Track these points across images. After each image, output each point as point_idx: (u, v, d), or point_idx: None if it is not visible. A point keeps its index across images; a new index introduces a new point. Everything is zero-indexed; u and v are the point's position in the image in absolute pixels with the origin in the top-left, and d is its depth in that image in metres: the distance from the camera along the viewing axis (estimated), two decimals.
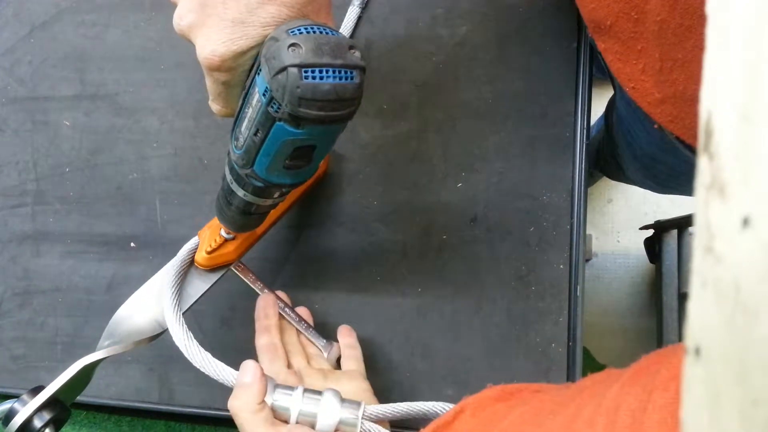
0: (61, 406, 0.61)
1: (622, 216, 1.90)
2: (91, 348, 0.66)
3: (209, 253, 0.72)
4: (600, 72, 1.27)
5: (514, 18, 0.84)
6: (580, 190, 0.81)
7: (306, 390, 0.64)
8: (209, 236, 0.73)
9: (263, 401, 0.63)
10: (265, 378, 0.64)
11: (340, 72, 0.47)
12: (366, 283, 0.83)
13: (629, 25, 0.60)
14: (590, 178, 0.81)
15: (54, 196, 0.88)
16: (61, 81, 0.90)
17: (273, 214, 0.76)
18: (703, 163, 0.21)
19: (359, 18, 0.86)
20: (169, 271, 0.72)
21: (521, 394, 0.56)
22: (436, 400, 0.80)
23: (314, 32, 0.47)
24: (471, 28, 0.85)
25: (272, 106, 0.48)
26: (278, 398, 0.63)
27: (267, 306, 0.74)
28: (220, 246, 0.73)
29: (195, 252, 0.74)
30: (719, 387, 0.21)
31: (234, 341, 0.82)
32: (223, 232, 0.73)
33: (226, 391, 0.83)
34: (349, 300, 0.82)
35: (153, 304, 0.71)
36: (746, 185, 0.19)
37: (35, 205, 0.88)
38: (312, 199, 0.84)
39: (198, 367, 0.66)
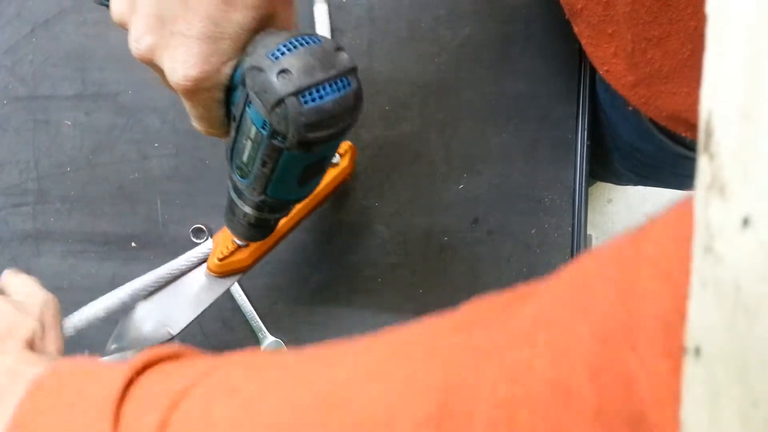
0: None
1: (622, 216, 1.90)
2: (92, 348, 0.65)
3: (221, 260, 0.70)
4: None
5: (516, 19, 0.84)
6: (581, 192, 0.81)
7: None
8: (222, 242, 0.71)
9: None
10: None
11: (336, 83, 0.44)
12: (367, 285, 0.83)
13: (599, 9, 0.61)
14: (588, 181, 0.81)
15: (55, 196, 0.88)
16: (63, 80, 0.90)
17: (289, 223, 0.74)
18: (703, 163, 0.21)
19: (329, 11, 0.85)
20: (171, 264, 0.71)
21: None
22: None
23: (296, 47, 0.44)
24: (473, 29, 0.85)
25: (277, 139, 0.46)
26: None
27: None
28: (232, 253, 0.71)
29: (207, 257, 0.72)
30: (719, 387, 0.21)
31: (235, 342, 0.83)
32: (236, 239, 0.71)
33: None
34: (350, 301, 0.82)
35: (164, 309, 0.70)
36: (746, 185, 0.19)
37: (36, 205, 0.88)
38: None
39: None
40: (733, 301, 0.20)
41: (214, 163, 0.86)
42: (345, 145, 0.77)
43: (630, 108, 0.67)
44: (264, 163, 0.48)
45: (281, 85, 0.43)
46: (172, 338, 0.68)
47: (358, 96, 0.46)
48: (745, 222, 0.19)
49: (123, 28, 0.47)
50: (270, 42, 0.44)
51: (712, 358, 0.21)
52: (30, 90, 0.90)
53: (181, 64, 0.45)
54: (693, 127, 0.65)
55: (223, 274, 0.72)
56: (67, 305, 0.86)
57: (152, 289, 0.69)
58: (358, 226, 0.83)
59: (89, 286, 0.86)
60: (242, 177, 0.52)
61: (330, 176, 0.76)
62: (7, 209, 0.88)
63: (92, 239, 0.87)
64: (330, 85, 0.44)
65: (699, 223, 0.22)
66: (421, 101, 0.84)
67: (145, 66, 0.51)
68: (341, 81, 0.45)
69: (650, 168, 0.95)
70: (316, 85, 0.43)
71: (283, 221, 0.71)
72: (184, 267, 0.71)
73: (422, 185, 0.83)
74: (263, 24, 0.47)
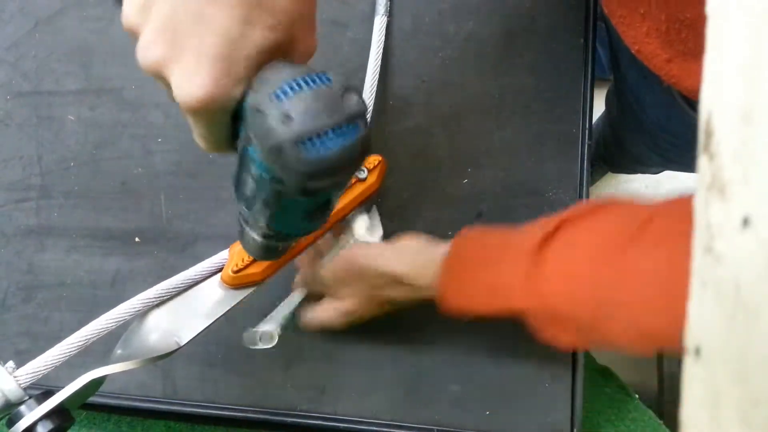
0: (65, 415, 0.61)
1: None
2: (96, 344, 0.65)
3: (236, 272, 0.69)
4: (601, 71, 1.26)
5: (521, 13, 0.84)
6: (586, 187, 0.81)
7: None
8: (238, 254, 0.69)
9: None
10: None
11: (341, 129, 0.40)
12: None
13: None
14: (590, 177, 0.81)
15: (58, 191, 0.88)
16: (66, 75, 0.90)
17: (308, 239, 0.72)
18: (703, 163, 0.21)
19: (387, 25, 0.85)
20: (185, 273, 0.70)
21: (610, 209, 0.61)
22: (441, 396, 0.80)
23: (301, 88, 0.39)
24: (478, 23, 0.84)
25: (277, 184, 0.42)
26: None
27: None
28: (247, 266, 0.69)
29: (221, 267, 0.70)
30: (719, 387, 0.21)
31: (236, 334, 0.83)
32: None
33: (230, 386, 0.83)
34: None
35: (174, 318, 0.69)
36: (746, 185, 0.19)
37: (40, 200, 0.88)
38: None
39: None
40: (733, 301, 0.20)
41: (218, 158, 0.86)
42: (374, 159, 0.75)
43: (664, 85, 0.67)
44: (266, 203, 0.46)
45: (280, 132, 0.39)
46: (178, 348, 0.66)
47: (364, 143, 0.41)
48: (745, 222, 0.19)
49: (132, 35, 0.44)
50: (275, 79, 0.40)
51: (712, 358, 0.21)
52: (33, 85, 0.90)
53: (189, 82, 0.42)
54: None
55: (237, 286, 0.70)
56: (71, 301, 0.86)
57: (165, 297, 0.69)
58: None
59: (93, 281, 0.86)
60: (247, 208, 0.50)
61: (355, 192, 0.73)
62: (11, 204, 0.88)
63: (96, 234, 0.87)
64: (334, 132, 0.40)
65: (699, 223, 0.21)
66: (425, 96, 0.84)
67: None
68: (347, 128, 0.40)
69: (677, 149, 0.95)
70: (319, 133, 0.39)
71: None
72: (198, 276, 0.70)
73: (426, 179, 0.83)
74: (282, 48, 0.43)
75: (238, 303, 0.70)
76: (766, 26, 0.18)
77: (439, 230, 0.82)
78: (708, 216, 0.21)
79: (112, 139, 0.88)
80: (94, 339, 0.64)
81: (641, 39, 0.65)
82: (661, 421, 0.95)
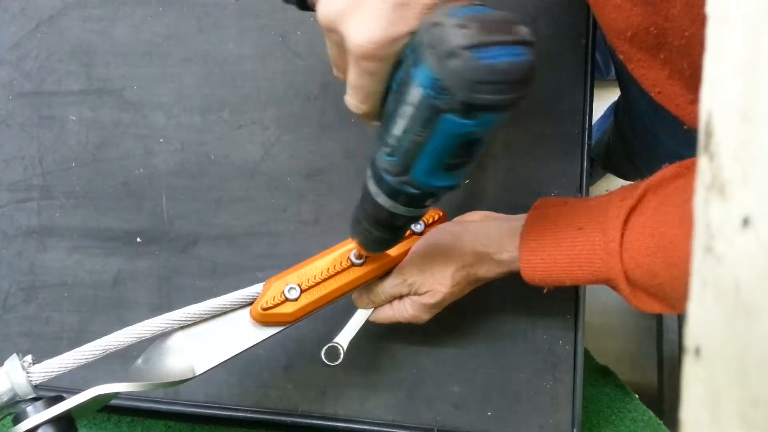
0: (69, 424, 0.61)
1: None
2: (121, 361, 0.65)
3: (265, 309, 0.67)
4: (599, 72, 1.26)
5: (522, 15, 0.84)
6: (586, 186, 0.81)
7: None
8: (271, 291, 0.68)
9: None
10: None
11: (513, 49, 0.42)
12: None
13: (650, 38, 0.60)
14: (590, 177, 0.81)
15: (60, 191, 0.88)
16: (68, 76, 0.90)
17: (346, 287, 0.70)
18: (703, 163, 0.21)
19: None
20: (215, 300, 0.68)
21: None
22: (442, 397, 0.80)
23: (477, 10, 0.42)
24: None
25: (442, 98, 0.43)
26: None
27: None
28: (278, 305, 0.68)
29: (252, 300, 0.69)
30: (719, 387, 0.21)
31: None
32: (286, 291, 0.68)
33: (231, 387, 0.83)
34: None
35: (196, 344, 0.67)
36: (746, 185, 0.19)
37: (41, 200, 0.88)
38: (318, 196, 0.84)
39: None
40: (733, 301, 0.20)
41: (219, 158, 0.86)
42: (435, 213, 0.75)
43: (685, 127, 0.67)
44: (419, 133, 0.46)
45: (458, 37, 0.41)
46: (193, 377, 0.65)
47: (532, 69, 0.43)
48: (745, 222, 0.19)
49: None
50: (451, 7, 0.43)
51: (712, 358, 0.21)
52: (35, 86, 0.90)
53: (368, 27, 0.46)
54: None
55: (265, 323, 0.69)
56: (72, 301, 0.86)
57: (191, 321, 0.67)
58: None
59: (94, 281, 0.86)
60: (389, 155, 0.50)
61: (410, 244, 0.72)
62: (12, 205, 0.88)
63: (97, 235, 0.87)
64: (506, 49, 0.42)
65: (699, 223, 0.21)
66: None
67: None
68: (517, 48, 0.42)
69: None
70: (494, 45, 0.41)
71: (339, 286, 0.69)
72: (227, 306, 0.69)
73: None
74: None
75: (262, 341, 0.69)
76: (766, 26, 0.18)
77: None
78: (708, 216, 0.21)
79: (113, 140, 0.88)
80: (113, 350, 0.64)
81: (662, 82, 0.65)
82: (661, 421, 0.94)
